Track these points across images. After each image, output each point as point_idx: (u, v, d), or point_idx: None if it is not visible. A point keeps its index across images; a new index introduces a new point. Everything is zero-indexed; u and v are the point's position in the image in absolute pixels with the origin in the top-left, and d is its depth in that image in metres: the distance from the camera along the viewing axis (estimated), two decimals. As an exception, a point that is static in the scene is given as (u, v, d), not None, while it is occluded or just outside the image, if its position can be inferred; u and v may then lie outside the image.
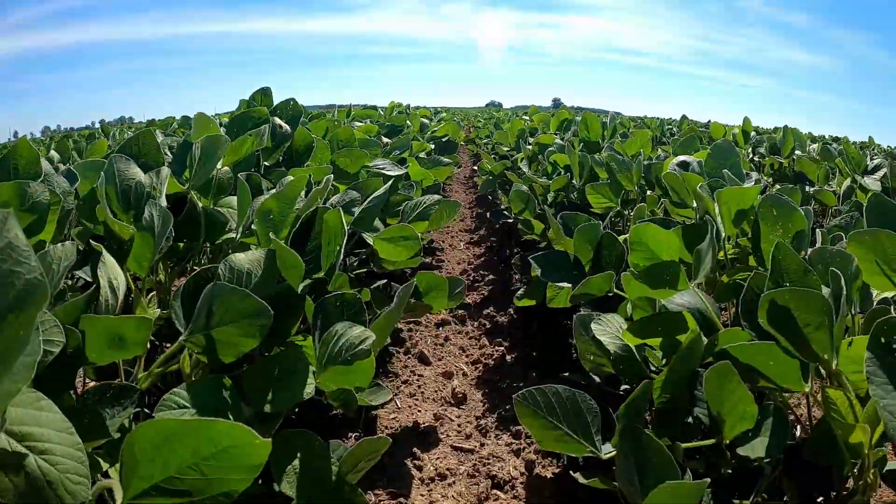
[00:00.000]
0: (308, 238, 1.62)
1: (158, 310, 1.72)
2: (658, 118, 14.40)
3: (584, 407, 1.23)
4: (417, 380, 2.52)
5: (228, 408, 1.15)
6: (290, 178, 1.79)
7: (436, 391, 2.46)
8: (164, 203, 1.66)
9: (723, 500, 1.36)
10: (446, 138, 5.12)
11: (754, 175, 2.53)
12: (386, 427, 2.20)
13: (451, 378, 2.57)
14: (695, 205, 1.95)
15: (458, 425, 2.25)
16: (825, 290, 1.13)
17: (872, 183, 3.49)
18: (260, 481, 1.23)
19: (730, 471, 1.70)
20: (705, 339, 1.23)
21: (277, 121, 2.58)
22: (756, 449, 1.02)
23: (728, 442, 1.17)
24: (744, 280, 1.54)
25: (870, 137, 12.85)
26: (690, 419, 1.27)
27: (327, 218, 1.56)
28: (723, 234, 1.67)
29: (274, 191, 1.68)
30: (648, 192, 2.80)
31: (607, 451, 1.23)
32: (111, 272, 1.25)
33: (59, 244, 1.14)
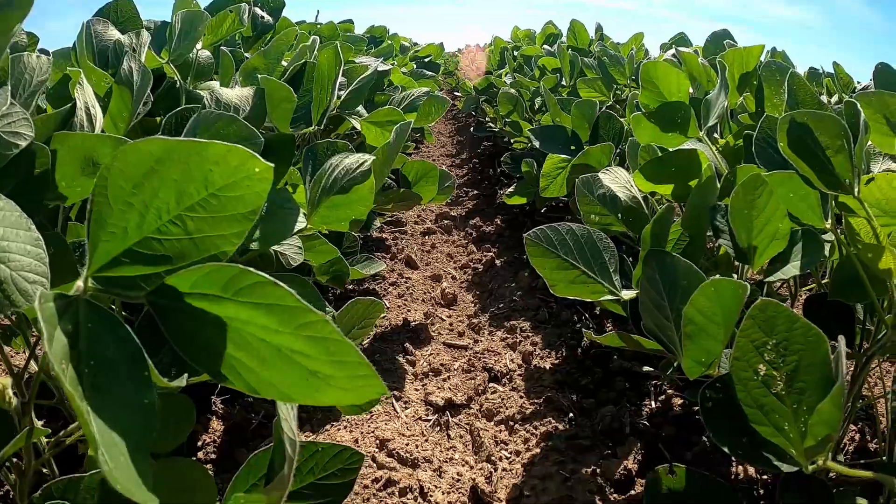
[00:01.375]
0: (298, 92, 1.50)
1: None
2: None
3: (601, 245, 1.12)
4: (406, 282, 2.42)
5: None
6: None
7: (425, 293, 2.37)
8: (143, 60, 1.54)
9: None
10: (429, 58, 4.95)
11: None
12: (377, 325, 2.10)
13: (439, 281, 2.48)
14: (691, 91, 1.84)
15: (450, 324, 2.16)
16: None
17: None
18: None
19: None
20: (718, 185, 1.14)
21: (258, 11, 2.43)
22: (789, 270, 0.93)
23: (757, 273, 1.07)
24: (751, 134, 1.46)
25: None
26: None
27: (320, 59, 1.44)
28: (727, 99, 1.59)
29: (260, 50, 1.56)
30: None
31: (628, 293, 1.13)
32: (88, 98, 1.12)
33: (35, 55, 1.02)
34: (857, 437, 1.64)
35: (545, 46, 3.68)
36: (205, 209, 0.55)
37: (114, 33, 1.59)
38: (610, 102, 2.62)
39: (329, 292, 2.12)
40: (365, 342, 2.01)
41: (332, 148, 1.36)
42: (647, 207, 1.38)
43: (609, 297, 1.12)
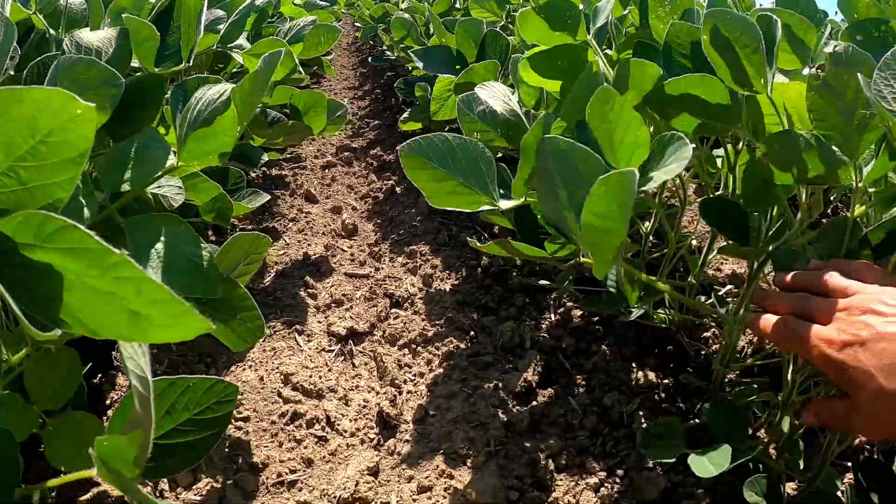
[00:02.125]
0: (168, 31, 1.44)
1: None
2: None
3: (477, 154, 1.10)
4: (305, 216, 2.39)
5: (77, 195, 1.00)
6: None
7: (325, 226, 2.34)
8: (8, 13, 1.45)
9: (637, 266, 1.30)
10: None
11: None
12: (276, 262, 2.07)
13: (339, 213, 2.45)
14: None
15: (351, 255, 2.14)
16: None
17: None
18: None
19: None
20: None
21: None
22: (659, 177, 0.93)
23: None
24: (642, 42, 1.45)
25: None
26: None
27: None
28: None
29: None
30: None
31: (506, 203, 1.12)
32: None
33: None
34: (755, 340, 1.69)
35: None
36: (34, 157, 0.52)
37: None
38: (503, 23, 2.59)
39: (227, 233, 2.08)
40: (266, 280, 1.98)
41: (202, 83, 1.31)
42: (528, 121, 1.37)
43: (487, 207, 1.12)
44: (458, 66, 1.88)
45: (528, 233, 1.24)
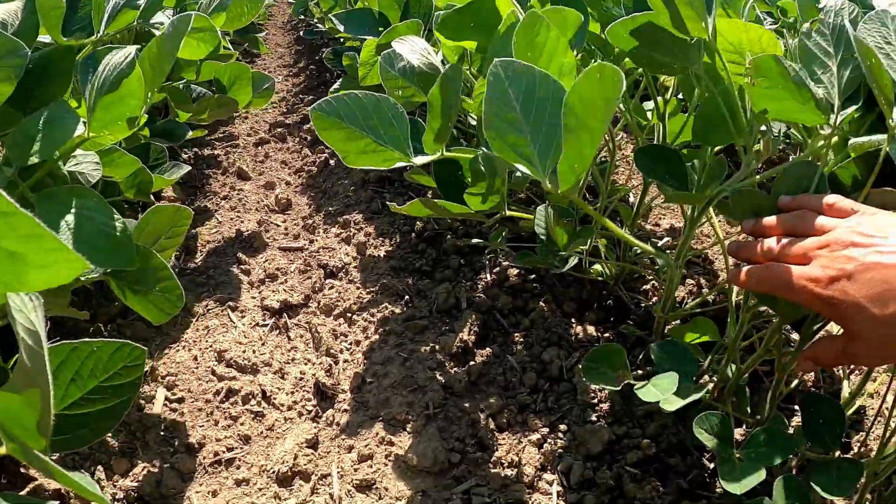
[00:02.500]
0: (78, 5, 1.38)
1: None
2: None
3: (389, 110, 1.06)
4: (238, 194, 2.33)
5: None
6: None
7: (258, 202, 2.28)
8: None
9: (566, 212, 1.27)
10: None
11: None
12: (208, 241, 2.02)
13: (273, 188, 2.39)
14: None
15: (285, 229, 2.09)
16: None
17: None
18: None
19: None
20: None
21: None
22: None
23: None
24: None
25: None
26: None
27: None
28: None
29: None
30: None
31: (422, 158, 1.09)
32: None
33: None
34: (696, 289, 1.69)
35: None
36: None
37: None
38: None
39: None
40: (198, 259, 1.93)
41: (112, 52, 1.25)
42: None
43: (401, 163, 1.08)
44: (381, 29, 1.83)
45: (449, 188, 1.21)
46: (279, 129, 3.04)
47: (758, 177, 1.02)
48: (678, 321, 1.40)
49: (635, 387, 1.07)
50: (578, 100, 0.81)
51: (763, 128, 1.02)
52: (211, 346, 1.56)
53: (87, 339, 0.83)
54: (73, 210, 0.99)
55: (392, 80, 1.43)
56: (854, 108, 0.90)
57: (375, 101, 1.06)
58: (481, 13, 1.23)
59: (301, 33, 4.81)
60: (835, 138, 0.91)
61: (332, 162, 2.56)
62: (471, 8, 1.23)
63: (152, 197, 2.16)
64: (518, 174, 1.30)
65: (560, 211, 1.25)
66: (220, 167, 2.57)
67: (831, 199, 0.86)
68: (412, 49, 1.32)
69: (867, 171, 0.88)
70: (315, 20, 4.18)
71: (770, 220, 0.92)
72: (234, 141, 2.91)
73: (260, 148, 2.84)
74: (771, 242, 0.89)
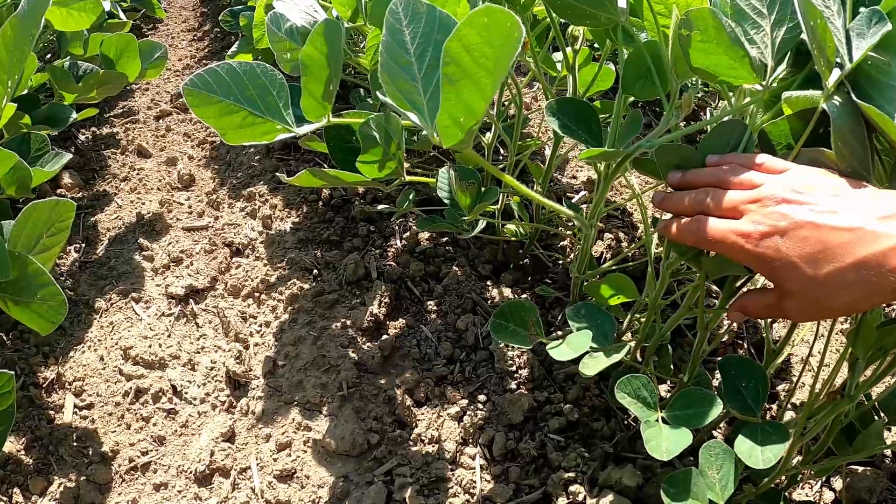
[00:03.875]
0: None
1: None
2: None
3: (266, 79, 0.99)
4: (137, 174, 2.22)
5: None
6: None
7: (160, 180, 2.17)
8: None
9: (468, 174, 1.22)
10: None
11: None
12: (108, 229, 1.92)
13: (175, 164, 2.28)
14: None
15: (189, 207, 2.00)
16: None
17: None
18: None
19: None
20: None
21: None
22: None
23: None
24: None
25: None
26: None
27: None
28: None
29: None
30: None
31: (303, 129, 1.02)
32: None
33: None
34: (615, 244, 1.66)
35: None
36: None
37: None
38: None
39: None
40: (99, 250, 1.83)
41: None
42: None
43: (284, 135, 1.01)
44: None
45: (343, 155, 1.14)
46: (181, 100, 2.91)
47: (679, 131, 0.98)
48: (597, 279, 1.37)
49: (548, 346, 1.03)
50: (461, 47, 0.74)
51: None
52: (116, 344, 1.49)
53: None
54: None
55: (280, 43, 1.35)
56: (786, 69, 0.87)
57: (251, 70, 0.99)
58: None
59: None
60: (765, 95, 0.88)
61: (236, 131, 2.46)
62: None
63: (49, 188, 2.05)
64: (420, 133, 1.24)
65: (463, 172, 1.19)
66: (119, 146, 2.45)
67: (761, 158, 0.84)
68: (295, 7, 1.25)
69: (799, 129, 0.85)
70: None
71: (697, 172, 0.89)
72: (134, 116, 2.77)
73: (161, 121, 2.71)
74: (700, 195, 0.86)
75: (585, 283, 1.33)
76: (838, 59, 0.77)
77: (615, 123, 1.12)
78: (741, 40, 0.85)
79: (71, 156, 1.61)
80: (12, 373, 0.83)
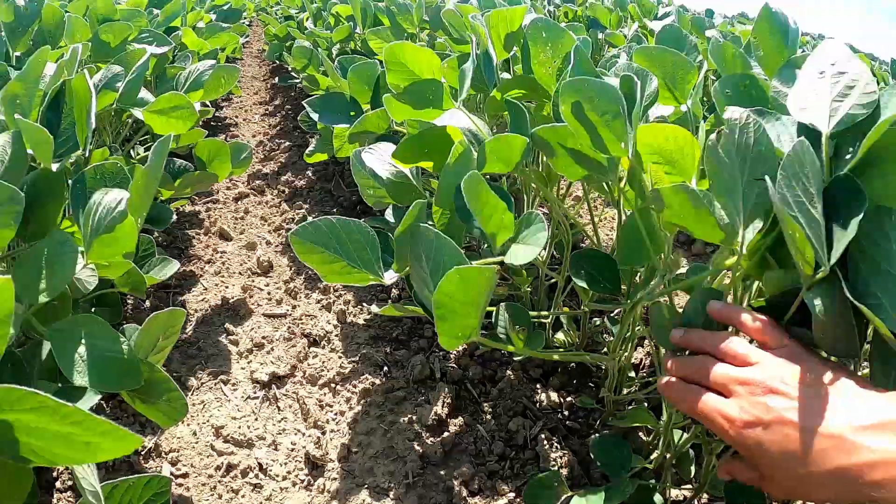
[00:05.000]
0: (61, 115, 1.50)
1: None
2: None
3: (360, 236, 1.21)
4: (221, 256, 2.46)
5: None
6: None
7: (241, 264, 2.42)
8: None
9: (521, 317, 1.42)
10: (228, 6, 4.79)
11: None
12: (196, 310, 2.15)
13: (254, 249, 2.53)
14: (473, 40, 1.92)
15: (268, 293, 2.23)
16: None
17: (658, 27, 3.61)
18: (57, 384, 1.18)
19: (528, 288, 1.79)
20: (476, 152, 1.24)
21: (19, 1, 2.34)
22: (518, 256, 1.05)
23: (502, 253, 1.18)
24: (519, 98, 1.55)
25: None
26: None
27: (74, 85, 1.44)
28: (495, 59, 1.66)
29: (18, 73, 1.54)
30: (428, 31, 2.76)
31: (391, 277, 1.24)
32: None
33: None
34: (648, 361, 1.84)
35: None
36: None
37: None
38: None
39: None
40: (189, 329, 2.06)
41: (100, 173, 1.38)
42: (416, 179, 1.48)
43: (374, 281, 1.23)
44: (352, 113, 1.97)
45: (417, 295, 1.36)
46: (258, 181, 3.17)
47: (666, 290, 1.15)
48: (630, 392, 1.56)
49: (571, 500, 1.23)
50: (444, 295, 0.98)
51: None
52: (208, 421, 1.70)
53: (125, 478, 0.98)
54: (82, 341, 1.12)
55: (364, 179, 1.57)
56: (758, 231, 0.93)
57: (348, 227, 1.21)
58: (433, 141, 1.37)
59: (277, 80, 4.90)
60: (743, 263, 0.97)
61: (309, 219, 2.69)
62: (423, 136, 1.37)
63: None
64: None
65: (516, 314, 1.39)
66: (202, 226, 2.70)
67: (761, 321, 0.88)
68: (380, 159, 1.47)
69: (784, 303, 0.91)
70: (290, 68, 4.29)
71: (697, 336, 0.94)
72: (214, 196, 3.04)
73: (239, 203, 2.97)
74: (696, 363, 0.91)
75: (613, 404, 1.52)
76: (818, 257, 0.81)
77: (629, 277, 1.32)
78: (712, 209, 0.91)
79: (179, 264, 1.84)
80: (168, 478, 1.04)
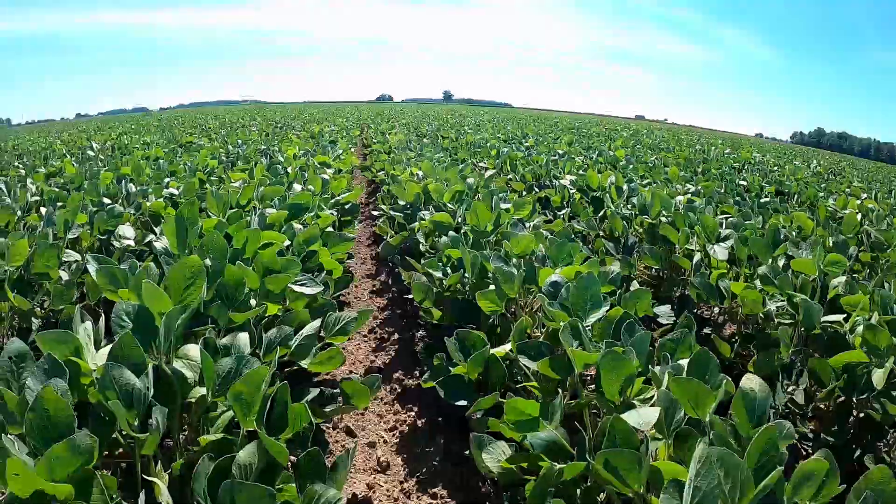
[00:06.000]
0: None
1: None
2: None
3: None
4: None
5: None
6: (244, 338, 2.42)
7: (364, 461, 3.08)
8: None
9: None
10: (349, 205, 5.67)
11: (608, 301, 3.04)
12: (330, 500, 2.83)
13: (374, 447, 3.19)
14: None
15: (387, 490, 2.88)
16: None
17: (721, 252, 4.34)
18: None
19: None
20: (557, 467, 1.91)
21: (208, 262, 3.04)
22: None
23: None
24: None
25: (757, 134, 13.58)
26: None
27: (296, 409, 2.17)
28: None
29: (244, 374, 2.21)
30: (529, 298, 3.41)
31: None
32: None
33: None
34: None
35: (451, 234, 4.15)
36: None
37: (129, 377, 2.28)
38: (502, 311, 3.25)
39: None
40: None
41: (309, 458, 2.11)
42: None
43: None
44: (476, 394, 2.71)
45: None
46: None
47: None
48: None
49: None
50: None
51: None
52: None
53: None
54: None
55: (480, 459, 2.25)
56: None
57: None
58: (529, 461, 2.08)
59: (391, 281, 5.56)
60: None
61: (419, 424, 3.36)
62: (520, 456, 2.08)
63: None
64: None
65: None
66: (331, 422, 3.39)
67: None
68: (493, 457, 2.19)
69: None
70: (404, 280, 4.80)
71: None
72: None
73: (359, 399, 3.68)
74: None
75: None
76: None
77: None
78: None
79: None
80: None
